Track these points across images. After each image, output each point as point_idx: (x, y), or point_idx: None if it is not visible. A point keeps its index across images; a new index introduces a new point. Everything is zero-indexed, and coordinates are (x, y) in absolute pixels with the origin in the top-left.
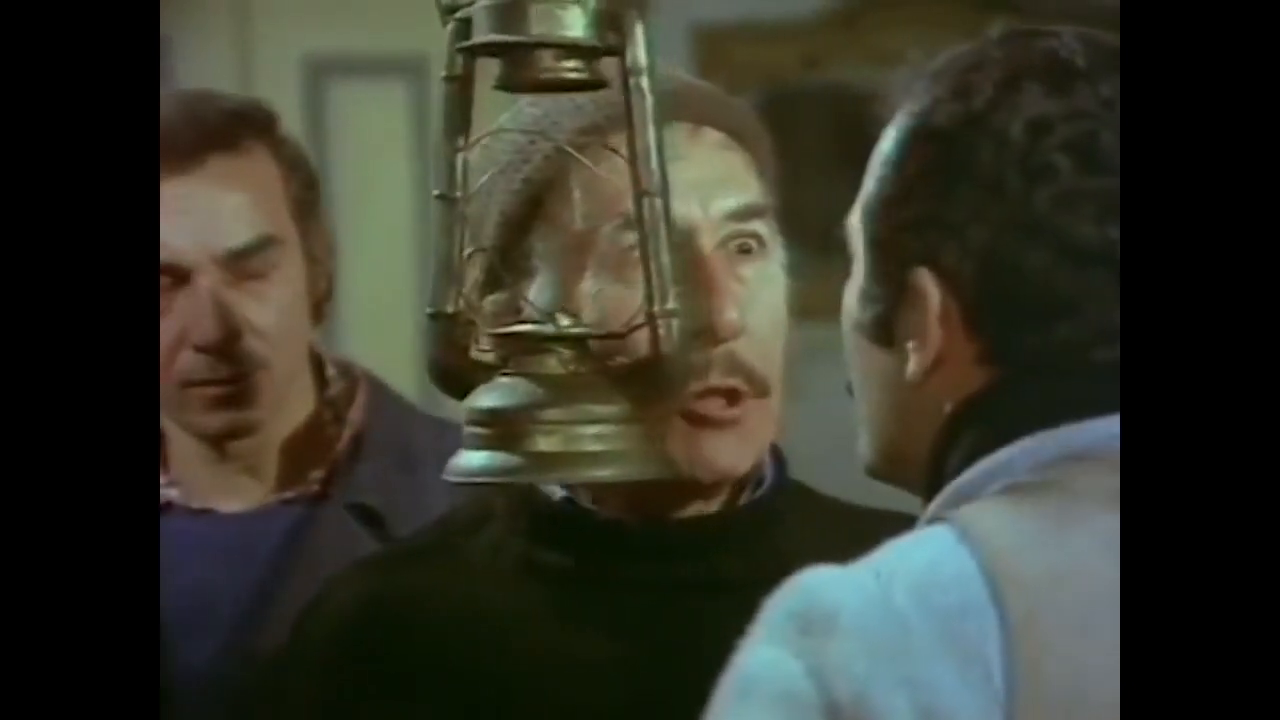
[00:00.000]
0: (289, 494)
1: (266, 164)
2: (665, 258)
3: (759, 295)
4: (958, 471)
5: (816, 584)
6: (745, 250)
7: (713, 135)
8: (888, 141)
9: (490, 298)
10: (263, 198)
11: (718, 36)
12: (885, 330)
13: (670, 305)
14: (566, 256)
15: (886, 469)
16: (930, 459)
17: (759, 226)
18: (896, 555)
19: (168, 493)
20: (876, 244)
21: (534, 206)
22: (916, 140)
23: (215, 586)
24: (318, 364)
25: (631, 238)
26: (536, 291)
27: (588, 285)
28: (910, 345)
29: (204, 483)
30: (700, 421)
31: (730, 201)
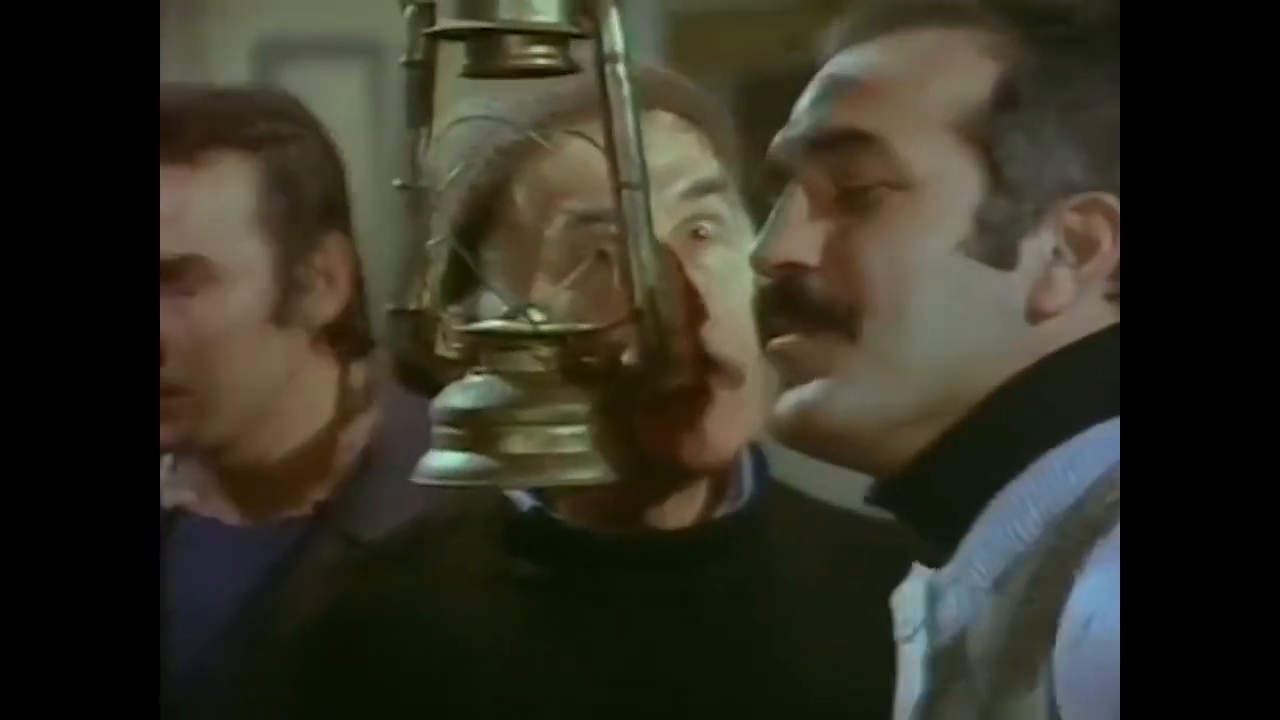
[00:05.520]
0: (286, 515)
1: (233, 178)
2: (647, 251)
3: (724, 281)
4: (1048, 412)
5: None
6: (703, 235)
7: (664, 118)
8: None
9: (452, 309)
10: (209, 214)
11: (695, 21)
12: (1009, 254)
13: (657, 300)
14: (516, 263)
15: (928, 410)
16: (1001, 399)
17: (716, 204)
18: None
19: (184, 495)
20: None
21: (482, 214)
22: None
23: (211, 597)
24: (343, 382)
25: (580, 235)
26: (488, 300)
27: (539, 291)
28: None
29: (212, 492)
30: (672, 410)
31: (682, 181)
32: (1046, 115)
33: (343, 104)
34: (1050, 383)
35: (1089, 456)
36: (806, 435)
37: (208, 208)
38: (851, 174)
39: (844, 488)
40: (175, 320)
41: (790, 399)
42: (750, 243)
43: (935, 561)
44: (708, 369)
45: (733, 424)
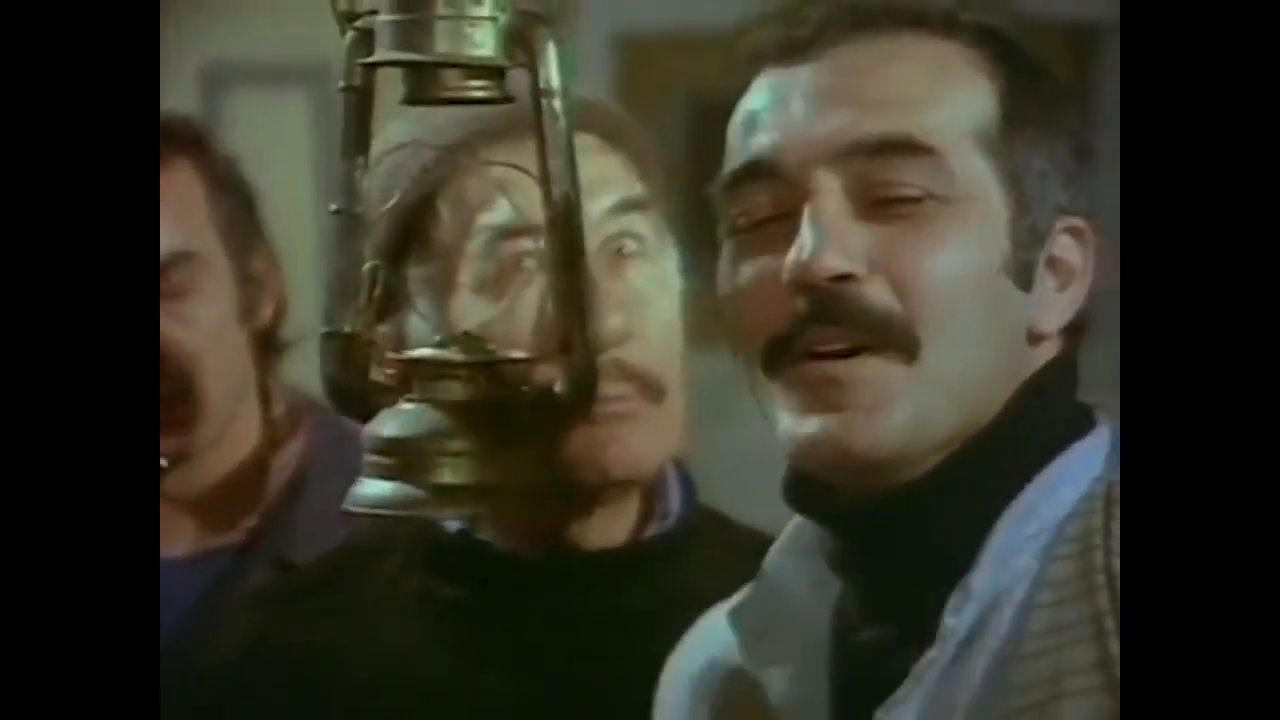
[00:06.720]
0: (218, 542)
1: (189, 180)
2: (579, 282)
3: (648, 298)
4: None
5: None
6: (627, 253)
7: (584, 139)
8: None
9: (380, 328)
10: (180, 214)
11: (644, 45)
12: (1029, 274)
13: (586, 331)
14: (441, 279)
15: (962, 431)
16: (1004, 421)
17: (639, 222)
18: None
19: None
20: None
21: (408, 232)
22: None
23: None
24: (267, 399)
25: (503, 249)
26: (416, 319)
27: (463, 306)
28: (1064, 293)
29: None
30: (595, 422)
31: (605, 199)
32: (1040, 134)
33: (289, 127)
34: (1043, 401)
35: (1078, 470)
36: (844, 460)
37: (176, 206)
38: (897, 182)
39: (764, 514)
40: (174, 323)
41: (825, 423)
42: (671, 261)
43: (868, 580)
44: (630, 383)
45: (655, 437)
